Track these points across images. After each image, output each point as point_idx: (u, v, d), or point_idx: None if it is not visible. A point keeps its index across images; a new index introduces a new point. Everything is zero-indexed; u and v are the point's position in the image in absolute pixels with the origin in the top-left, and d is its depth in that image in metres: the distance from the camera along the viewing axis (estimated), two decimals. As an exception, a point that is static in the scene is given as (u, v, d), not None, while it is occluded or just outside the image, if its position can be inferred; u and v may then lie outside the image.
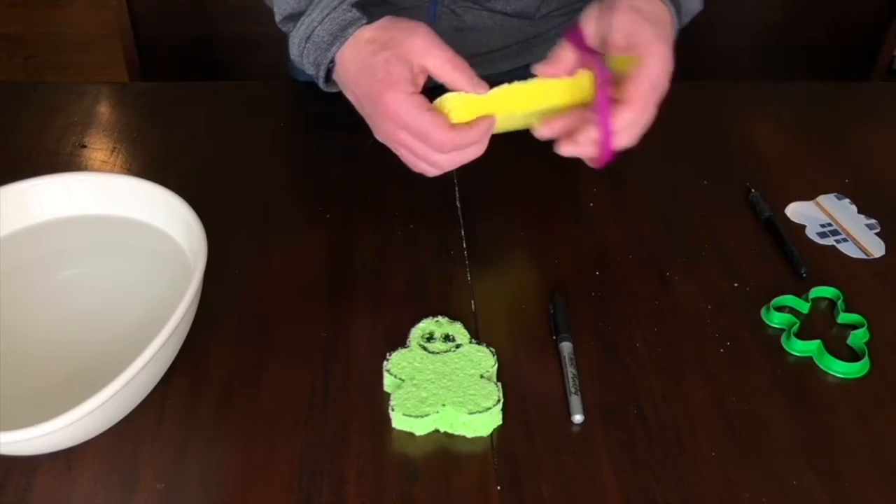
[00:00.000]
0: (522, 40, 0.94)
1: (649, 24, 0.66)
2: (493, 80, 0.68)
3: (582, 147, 0.66)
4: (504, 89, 0.67)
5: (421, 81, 0.67)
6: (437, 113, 0.66)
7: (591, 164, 0.69)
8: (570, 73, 0.68)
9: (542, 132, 0.69)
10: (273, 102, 0.97)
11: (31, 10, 2.38)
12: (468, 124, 0.67)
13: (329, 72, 0.72)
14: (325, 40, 0.70)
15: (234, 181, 0.84)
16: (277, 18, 0.74)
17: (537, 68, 0.69)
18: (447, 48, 0.66)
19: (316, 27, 0.70)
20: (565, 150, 0.67)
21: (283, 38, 1.08)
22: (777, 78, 2.26)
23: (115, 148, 0.88)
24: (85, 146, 0.88)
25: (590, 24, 0.67)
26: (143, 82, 2.09)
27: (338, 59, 0.70)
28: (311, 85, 0.99)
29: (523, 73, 0.97)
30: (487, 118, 0.67)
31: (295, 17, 0.72)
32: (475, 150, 0.68)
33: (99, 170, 0.84)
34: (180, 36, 2.17)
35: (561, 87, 0.69)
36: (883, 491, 0.58)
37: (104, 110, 0.94)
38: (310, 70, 0.73)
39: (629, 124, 0.65)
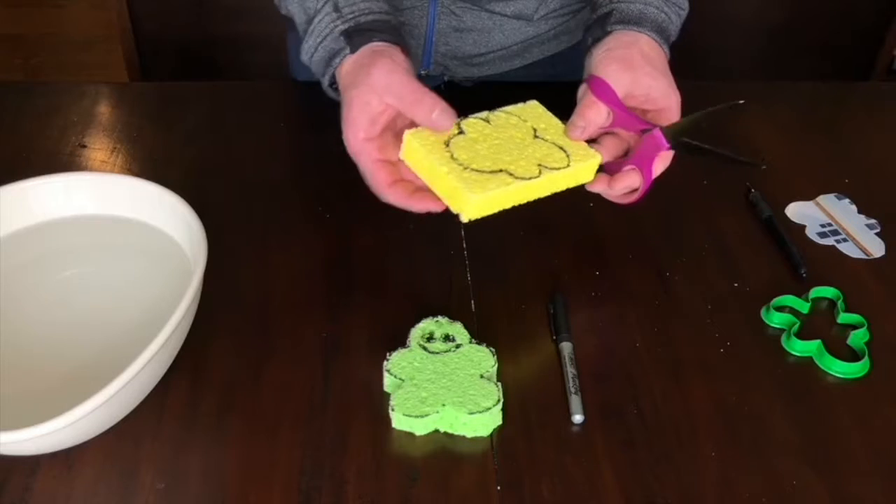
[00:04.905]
0: (521, 41, 0.95)
1: (660, 73, 0.69)
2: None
3: (614, 192, 0.69)
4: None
5: (385, 118, 0.66)
6: (382, 166, 0.66)
7: (615, 201, 0.71)
8: (599, 133, 0.69)
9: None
10: (273, 102, 0.97)
11: (31, 10, 2.38)
12: (414, 192, 0.66)
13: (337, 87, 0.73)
14: (321, 67, 0.71)
15: (234, 181, 0.84)
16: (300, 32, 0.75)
17: (572, 133, 0.68)
18: (403, 83, 0.65)
19: (313, 53, 0.72)
20: (596, 189, 0.69)
21: (282, 38, 1.08)
22: (777, 78, 2.26)
23: (115, 148, 0.88)
24: (85, 146, 0.88)
25: (616, 81, 0.67)
26: (143, 82, 2.09)
27: (336, 80, 0.71)
28: (311, 85, 0.99)
29: (522, 74, 0.97)
30: (429, 201, 0.65)
31: (305, 32, 0.73)
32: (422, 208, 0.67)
33: (99, 170, 0.84)
34: (180, 36, 2.17)
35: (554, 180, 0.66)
36: (883, 491, 0.58)
37: (104, 110, 0.94)
38: None
39: (661, 170, 0.69)
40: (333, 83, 0.72)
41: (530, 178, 0.64)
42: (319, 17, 0.71)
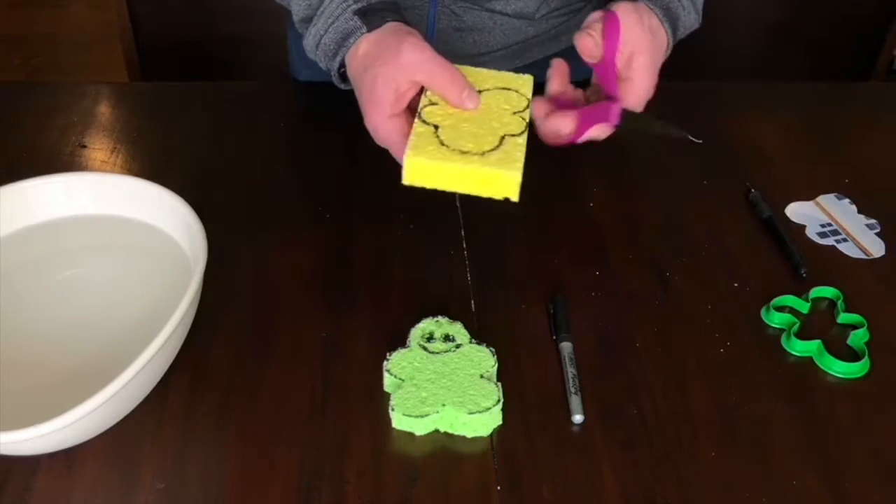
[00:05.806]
0: (522, 41, 0.94)
1: (656, 48, 0.69)
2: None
3: (544, 127, 0.69)
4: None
5: (410, 95, 0.67)
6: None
7: (540, 133, 0.70)
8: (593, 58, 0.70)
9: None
10: (273, 102, 0.97)
11: (31, 10, 2.38)
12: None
13: (344, 74, 0.72)
14: (331, 49, 0.71)
15: (234, 181, 0.84)
16: (294, 20, 0.75)
17: (584, 41, 0.68)
18: (435, 61, 0.65)
19: (322, 36, 0.71)
20: (534, 110, 0.69)
21: (283, 38, 1.09)
22: (777, 78, 2.26)
23: (115, 148, 0.88)
24: (85, 146, 0.88)
25: (625, 22, 0.67)
26: (143, 82, 2.09)
27: (346, 63, 0.71)
28: (311, 85, 0.99)
29: (523, 73, 0.97)
30: None
31: (308, 20, 0.73)
32: None
33: (99, 170, 0.84)
34: (180, 36, 2.17)
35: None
36: (883, 491, 0.58)
37: (104, 110, 0.94)
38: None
39: (592, 136, 0.69)
40: (341, 68, 0.71)
41: (524, 131, 0.66)
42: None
